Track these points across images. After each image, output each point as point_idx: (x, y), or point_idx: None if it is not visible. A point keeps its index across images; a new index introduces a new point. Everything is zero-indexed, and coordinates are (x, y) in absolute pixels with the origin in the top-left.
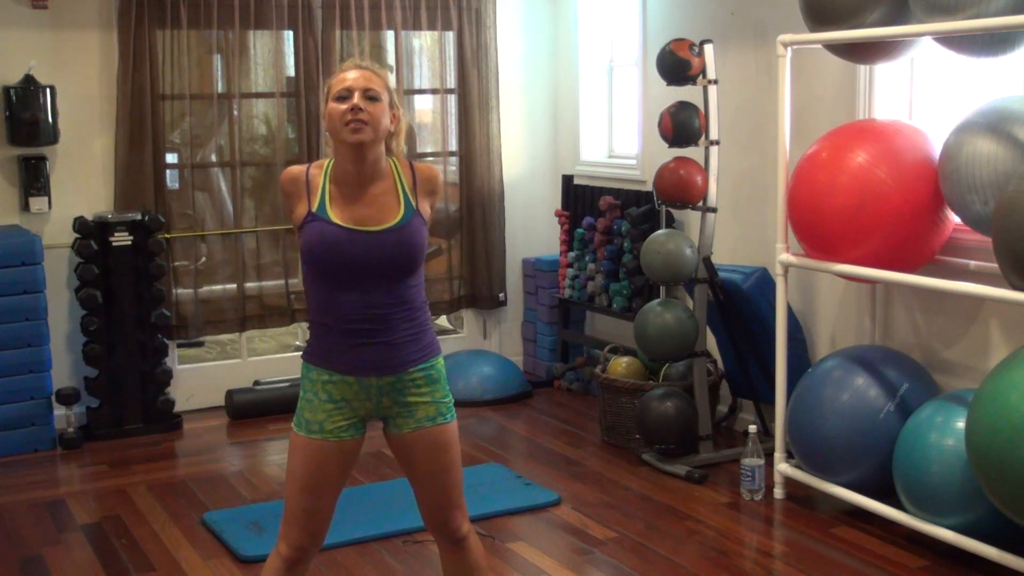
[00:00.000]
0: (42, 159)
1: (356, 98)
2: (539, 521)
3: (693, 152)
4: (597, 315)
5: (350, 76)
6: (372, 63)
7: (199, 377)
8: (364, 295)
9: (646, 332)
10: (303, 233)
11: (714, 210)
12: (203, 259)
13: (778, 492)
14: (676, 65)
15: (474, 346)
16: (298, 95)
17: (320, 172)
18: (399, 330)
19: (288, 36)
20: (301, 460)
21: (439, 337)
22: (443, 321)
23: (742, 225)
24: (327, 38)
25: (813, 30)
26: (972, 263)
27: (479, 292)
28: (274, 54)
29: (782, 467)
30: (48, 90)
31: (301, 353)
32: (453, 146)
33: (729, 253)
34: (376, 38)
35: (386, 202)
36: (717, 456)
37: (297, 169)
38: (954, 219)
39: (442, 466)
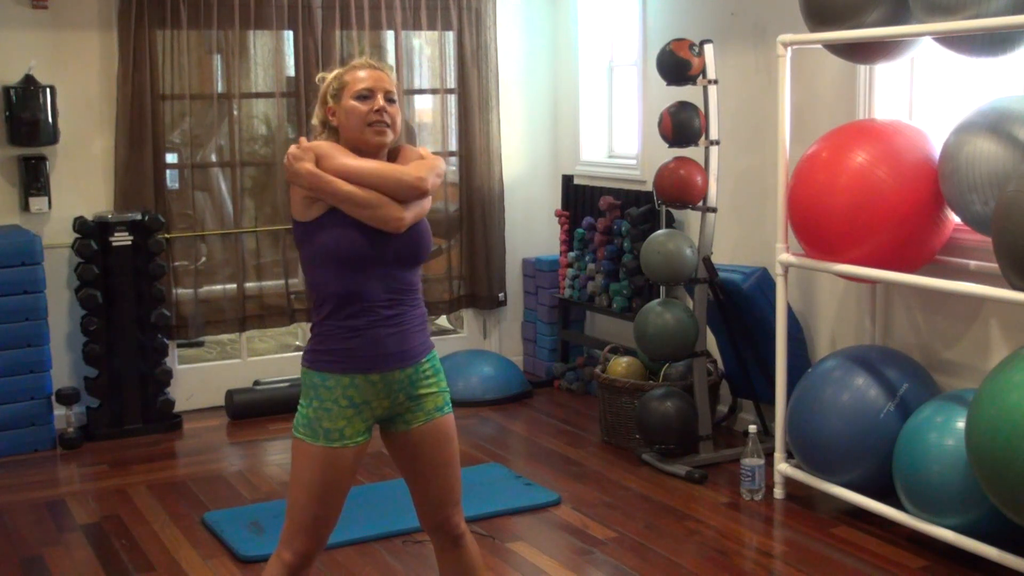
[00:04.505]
0: (42, 159)
1: (380, 100)
2: (539, 521)
3: (693, 152)
4: (597, 315)
5: (365, 75)
6: (381, 62)
7: (199, 377)
8: (384, 281)
9: (646, 332)
10: (319, 232)
11: (714, 210)
12: (203, 259)
13: (778, 492)
14: (676, 65)
15: (474, 346)
16: (298, 95)
17: None
18: (407, 318)
19: (288, 36)
20: (318, 470)
21: (438, 337)
22: (443, 321)
23: (742, 225)
24: (327, 38)
25: (813, 30)
26: (972, 263)
27: (479, 292)
28: (274, 54)
29: (782, 467)
30: (48, 90)
31: (307, 363)
32: (453, 146)
33: (729, 253)
34: (376, 38)
35: None
36: (717, 456)
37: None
38: (954, 219)
39: (446, 458)
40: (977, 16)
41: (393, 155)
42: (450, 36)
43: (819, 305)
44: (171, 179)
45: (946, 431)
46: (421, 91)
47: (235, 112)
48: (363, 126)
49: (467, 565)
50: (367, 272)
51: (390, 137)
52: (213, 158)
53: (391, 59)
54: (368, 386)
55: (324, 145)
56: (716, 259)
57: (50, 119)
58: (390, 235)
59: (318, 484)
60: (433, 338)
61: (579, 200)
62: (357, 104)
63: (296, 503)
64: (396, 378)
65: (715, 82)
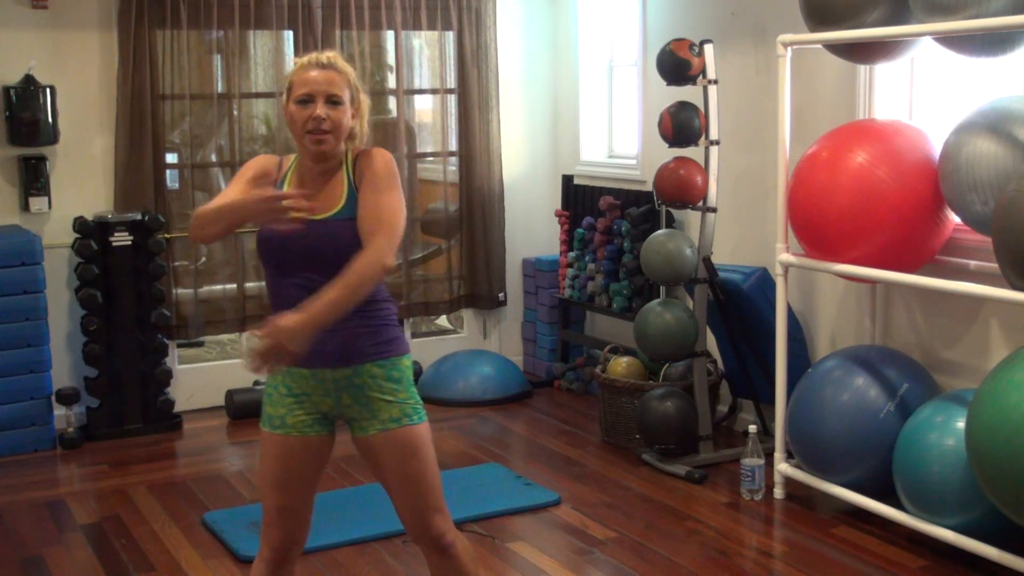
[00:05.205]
0: (42, 159)
1: (319, 107)
2: (539, 521)
3: (693, 152)
4: (597, 315)
5: (313, 75)
6: (334, 59)
7: (199, 377)
8: (307, 282)
9: (646, 332)
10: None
11: (714, 210)
12: (203, 259)
13: (778, 492)
14: (676, 65)
15: (474, 346)
16: None
17: (288, 165)
18: (349, 320)
19: (288, 36)
20: (267, 456)
21: (439, 338)
22: (443, 321)
23: (742, 225)
24: (327, 38)
25: (813, 30)
26: (972, 263)
27: (479, 292)
28: (274, 54)
29: (782, 467)
30: (48, 90)
31: None
32: (453, 146)
33: (729, 253)
34: (376, 38)
35: (333, 193)
36: (717, 456)
37: (270, 160)
38: (954, 219)
39: (413, 470)
40: (977, 16)
41: (364, 160)
42: (450, 36)
43: (819, 305)
44: (171, 179)
45: (946, 431)
46: (421, 91)
47: (235, 112)
48: (302, 133)
49: (457, 574)
50: (283, 275)
51: (330, 144)
52: (213, 158)
53: (391, 59)
54: (301, 379)
55: (247, 165)
56: (716, 259)
57: (50, 119)
58: (289, 241)
59: (268, 470)
60: (433, 338)
61: (579, 200)
62: (298, 109)
63: (261, 493)
64: (328, 376)
65: (715, 82)
